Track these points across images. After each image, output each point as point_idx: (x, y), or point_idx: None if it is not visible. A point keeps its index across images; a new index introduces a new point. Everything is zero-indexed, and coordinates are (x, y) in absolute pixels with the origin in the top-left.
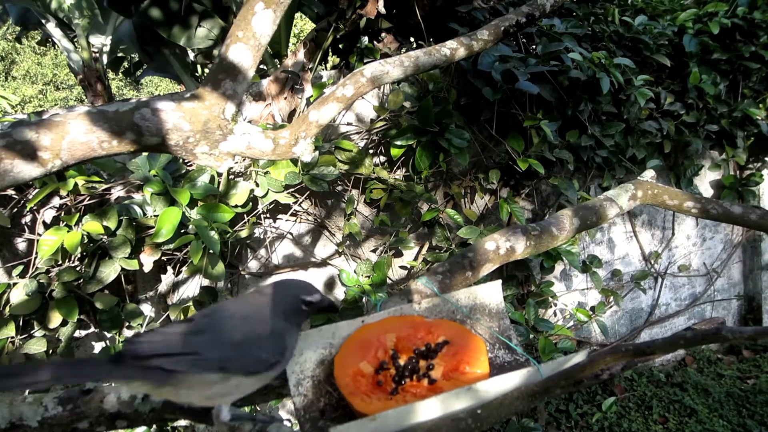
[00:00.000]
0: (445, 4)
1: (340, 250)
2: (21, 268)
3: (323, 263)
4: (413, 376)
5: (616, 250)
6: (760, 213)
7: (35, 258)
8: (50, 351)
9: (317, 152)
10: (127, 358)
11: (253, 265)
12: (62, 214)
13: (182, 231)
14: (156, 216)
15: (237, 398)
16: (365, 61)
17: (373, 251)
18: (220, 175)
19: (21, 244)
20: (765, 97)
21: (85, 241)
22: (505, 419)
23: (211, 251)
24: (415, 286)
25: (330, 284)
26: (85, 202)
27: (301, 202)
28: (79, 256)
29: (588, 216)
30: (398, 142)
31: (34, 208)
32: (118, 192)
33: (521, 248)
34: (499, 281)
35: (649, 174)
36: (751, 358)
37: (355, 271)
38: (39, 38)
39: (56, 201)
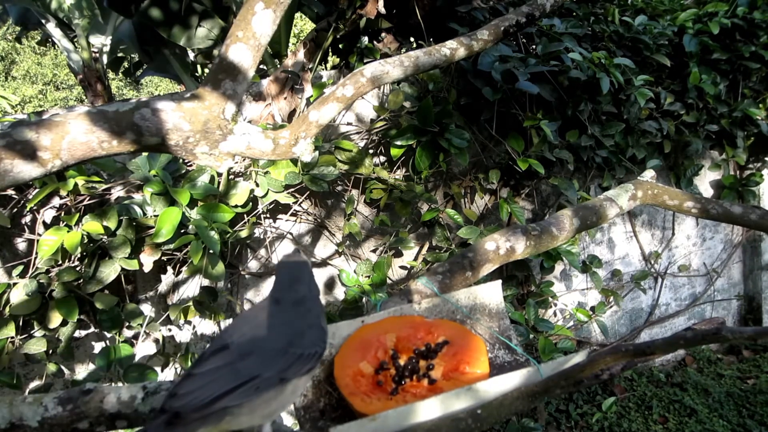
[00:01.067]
0: (445, 4)
1: (340, 250)
2: (21, 268)
3: (323, 263)
4: (413, 376)
5: (616, 250)
6: (760, 213)
7: (35, 258)
8: (50, 351)
9: (317, 152)
10: (187, 414)
11: (253, 265)
12: (62, 214)
13: (182, 231)
14: (156, 216)
15: (292, 403)
16: (365, 61)
17: (373, 251)
18: (220, 175)
19: (21, 244)
20: (765, 97)
21: (85, 241)
22: (505, 419)
23: (211, 251)
24: (415, 286)
25: (330, 284)
26: (85, 202)
27: (301, 202)
28: (79, 256)
29: (588, 216)
30: (398, 142)
31: (34, 208)
32: (118, 192)
33: (521, 248)
34: (499, 281)
35: (649, 174)
36: (751, 358)
37: (355, 271)
38: (39, 38)
39: (56, 201)
